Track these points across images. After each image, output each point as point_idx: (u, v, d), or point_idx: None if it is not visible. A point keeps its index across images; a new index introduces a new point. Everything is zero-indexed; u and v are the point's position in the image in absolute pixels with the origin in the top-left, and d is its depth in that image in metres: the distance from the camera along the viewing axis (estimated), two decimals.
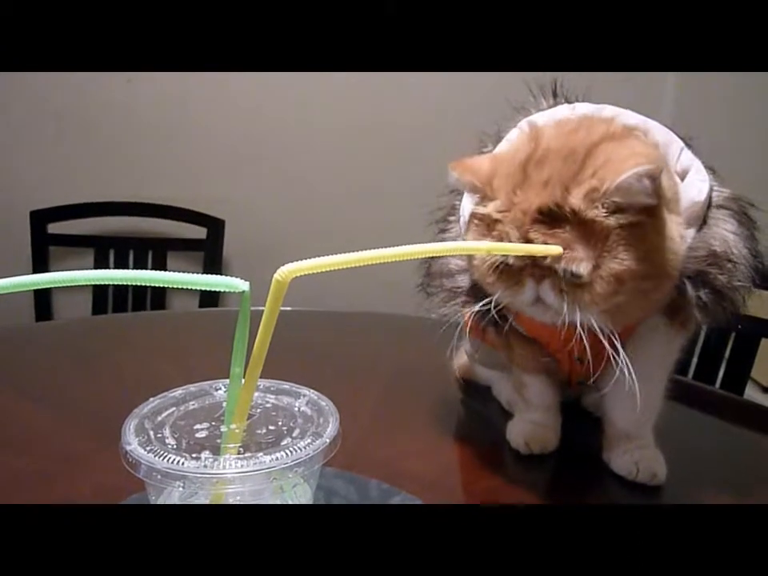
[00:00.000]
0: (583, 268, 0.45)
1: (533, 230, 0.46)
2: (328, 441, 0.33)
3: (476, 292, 0.55)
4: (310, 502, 0.36)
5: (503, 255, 0.47)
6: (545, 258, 0.46)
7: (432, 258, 0.59)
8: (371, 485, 0.54)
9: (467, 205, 0.55)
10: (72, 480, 0.55)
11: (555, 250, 0.41)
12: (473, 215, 0.52)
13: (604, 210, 0.45)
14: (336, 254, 0.34)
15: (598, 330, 0.47)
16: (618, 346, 0.48)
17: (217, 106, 1.58)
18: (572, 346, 0.52)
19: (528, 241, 0.46)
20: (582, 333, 0.47)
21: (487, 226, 0.49)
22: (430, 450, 0.65)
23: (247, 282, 0.32)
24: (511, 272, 0.48)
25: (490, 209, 0.49)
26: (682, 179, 0.53)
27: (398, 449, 0.63)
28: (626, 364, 0.48)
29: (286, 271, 0.32)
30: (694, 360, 1.16)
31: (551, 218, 0.46)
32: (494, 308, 0.50)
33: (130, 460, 0.32)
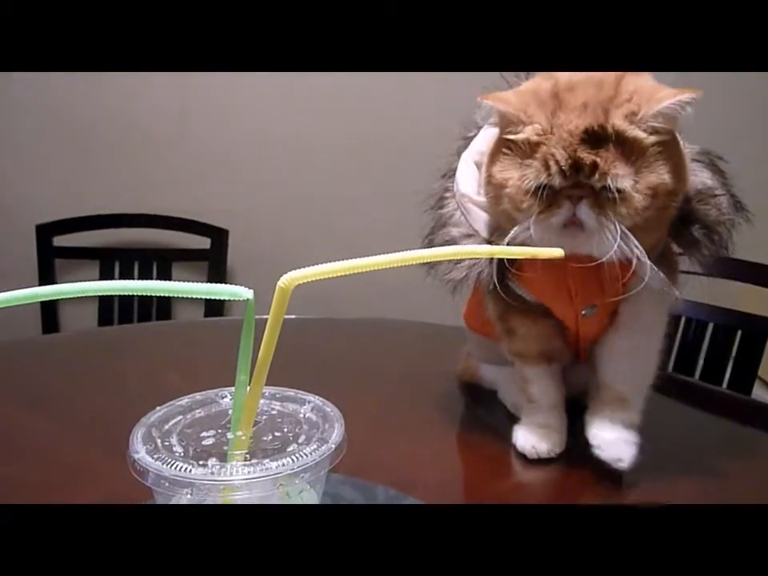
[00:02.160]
0: (627, 183, 0.49)
1: (580, 149, 0.50)
2: (334, 446, 0.34)
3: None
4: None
5: (548, 176, 0.50)
6: (588, 177, 0.49)
7: (431, 231, 0.62)
8: (378, 491, 0.55)
9: (481, 140, 0.58)
10: (80, 489, 0.55)
11: (556, 252, 0.42)
12: (499, 145, 0.54)
13: (643, 131, 0.50)
14: (339, 261, 0.34)
15: (625, 248, 0.51)
16: (645, 258, 0.51)
17: (219, 118, 1.59)
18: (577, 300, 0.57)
19: (576, 159, 0.49)
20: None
21: (524, 151, 0.52)
22: (436, 455, 0.65)
23: (251, 291, 0.33)
24: (549, 195, 0.51)
25: (528, 133, 0.51)
26: None
27: (404, 455, 0.64)
28: (656, 270, 0.53)
29: (289, 279, 0.32)
30: (701, 360, 1.16)
31: (594, 137, 0.50)
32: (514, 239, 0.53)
33: (138, 468, 0.32)
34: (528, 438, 0.63)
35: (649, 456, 0.59)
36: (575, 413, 0.66)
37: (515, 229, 0.53)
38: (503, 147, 0.54)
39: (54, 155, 1.56)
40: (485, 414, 0.75)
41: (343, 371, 0.83)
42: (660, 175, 0.51)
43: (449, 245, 0.60)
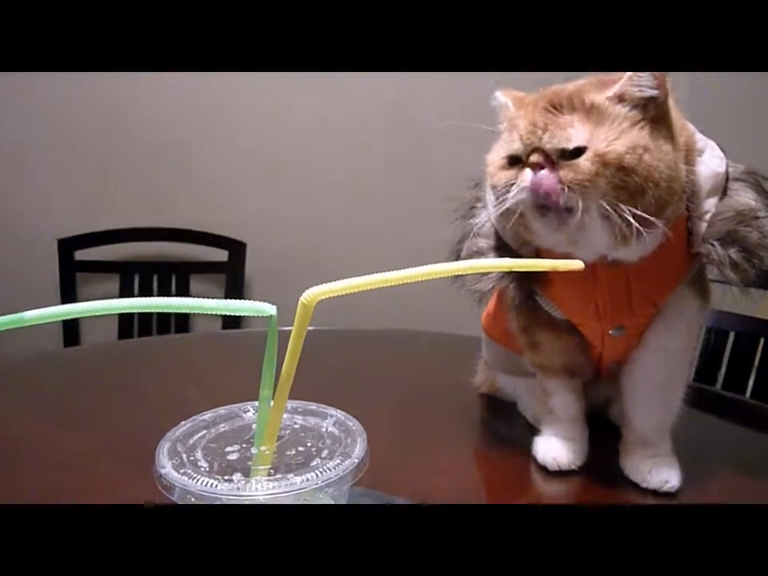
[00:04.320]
0: (573, 144, 0.49)
1: (540, 115, 0.51)
2: (357, 461, 0.34)
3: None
4: None
5: (511, 144, 0.52)
6: (541, 139, 0.50)
7: (460, 241, 0.62)
8: (398, 503, 0.55)
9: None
10: (108, 501, 0.55)
11: (576, 264, 0.42)
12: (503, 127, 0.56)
13: (610, 99, 0.50)
14: (357, 273, 0.35)
15: (590, 212, 0.49)
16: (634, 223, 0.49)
17: (235, 134, 1.61)
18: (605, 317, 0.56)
19: (534, 123, 0.51)
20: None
21: (509, 127, 0.54)
22: (455, 467, 0.65)
23: (274, 307, 0.33)
24: (517, 164, 0.52)
25: (510, 115, 0.54)
26: (700, 156, 0.57)
27: (423, 467, 0.63)
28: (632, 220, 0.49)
29: (312, 294, 0.33)
30: (723, 369, 1.15)
31: (556, 105, 0.51)
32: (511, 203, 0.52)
33: (164, 483, 0.32)
34: (549, 450, 0.63)
35: (690, 477, 0.59)
36: (598, 427, 0.66)
37: (496, 204, 0.54)
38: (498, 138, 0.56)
39: (75, 171, 1.59)
40: (504, 426, 0.74)
41: (363, 382, 0.84)
42: (613, 145, 0.49)
43: (477, 255, 0.60)
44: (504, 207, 0.52)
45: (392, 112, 1.59)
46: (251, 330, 1.36)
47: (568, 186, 0.49)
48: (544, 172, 0.50)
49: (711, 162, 0.56)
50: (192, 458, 0.34)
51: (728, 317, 1.12)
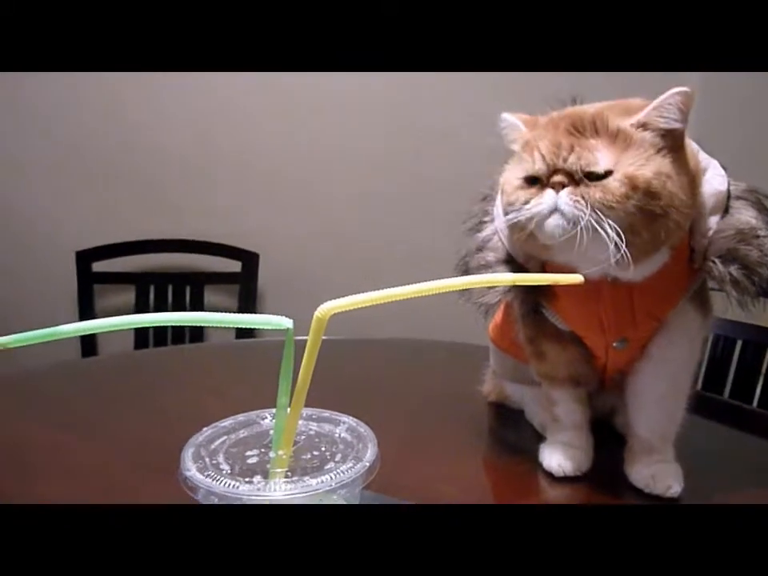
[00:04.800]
0: (601, 168, 0.50)
1: (564, 136, 0.52)
2: (368, 464, 0.36)
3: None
4: None
5: (532, 164, 0.52)
6: (566, 160, 0.51)
7: (467, 254, 0.63)
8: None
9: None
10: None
11: (576, 278, 0.44)
12: (510, 158, 0.57)
13: (631, 125, 0.52)
14: (367, 282, 0.37)
15: (603, 231, 0.50)
16: (620, 245, 0.50)
17: (249, 146, 1.63)
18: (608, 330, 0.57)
19: (557, 144, 0.52)
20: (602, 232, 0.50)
21: (521, 153, 0.55)
22: (464, 473, 0.66)
23: (291, 321, 0.35)
24: (536, 187, 0.53)
25: (526, 136, 0.55)
26: (703, 175, 0.58)
27: (432, 472, 0.65)
28: (626, 262, 0.50)
29: (326, 309, 0.35)
30: (730, 378, 1.15)
31: (580, 128, 0.52)
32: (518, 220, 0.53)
33: (190, 485, 0.35)
34: (554, 457, 0.64)
35: (692, 483, 0.60)
36: (603, 434, 0.67)
37: (499, 221, 0.55)
38: (510, 159, 0.57)
39: (92, 184, 1.63)
40: (512, 433, 0.76)
41: (374, 390, 0.85)
42: (641, 169, 0.50)
43: (484, 269, 0.61)
44: (524, 230, 0.53)
45: (407, 123, 1.61)
46: (264, 339, 1.38)
47: (592, 205, 0.50)
48: (564, 195, 0.51)
49: (714, 180, 0.57)
50: (214, 462, 0.36)
51: (735, 326, 1.13)
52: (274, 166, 1.64)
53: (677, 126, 0.52)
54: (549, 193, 0.52)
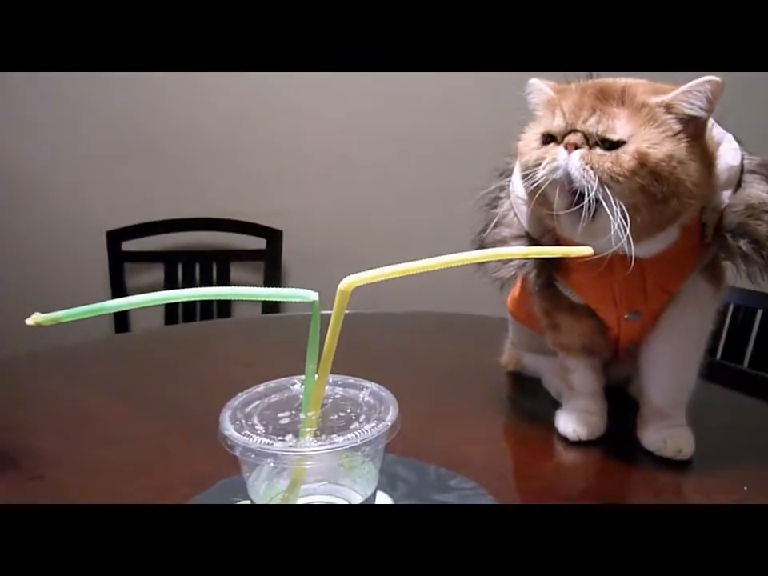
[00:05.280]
0: (617, 136, 0.51)
1: (588, 98, 0.52)
2: (390, 424, 0.39)
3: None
4: (375, 480, 0.42)
5: (552, 121, 0.53)
6: (585, 120, 0.51)
7: (484, 230, 0.64)
8: (429, 469, 0.59)
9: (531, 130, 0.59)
10: (168, 470, 0.62)
11: (585, 251, 0.46)
12: (540, 107, 0.57)
13: (660, 105, 0.52)
14: (388, 258, 0.39)
15: (612, 207, 0.50)
16: (621, 221, 0.51)
17: (272, 126, 1.66)
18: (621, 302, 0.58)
19: (581, 105, 0.52)
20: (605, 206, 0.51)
21: (549, 106, 0.55)
22: (484, 438, 0.69)
23: (316, 293, 0.38)
24: (551, 143, 0.54)
25: (549, 94, 0.55)
26: (716, 149, 0.58)
27: (453, 437, 0.68)
28: (627, 241, 0.51)
29: (348, 282, 0.38)
30: (750, 348, 1.16)
31: (606, 95, 0.52)
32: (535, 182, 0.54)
33: (229, 443, 0.38)
34: (569, 422, 0.66)
35: (704, 447, 0.62)
36: (619, 401, 0.69)
37: (525, 176, 0.55)
38: (531, 121, 0.57)
39: (120, 166, 1.67)
40: (529, 401, 0.78)
41: (397, 361, 0.88)
42: (654, 148, 0.50)
43: (500, 244, 0.62)
44: (533, 185, 0.53)
45: (429, 100, 1.62)
46: (288, 314, 1.42)
47: (600, 176, 0.50)
48: (576, 158, 0.51)
49: (726, 155, 0.58)
50: (250, 423, 0.40)
51: (755, 296, 1.13)
52: (298, 147, 1.67)
53: (701, 113, 0.52)
54: (561, 152, 0.52)
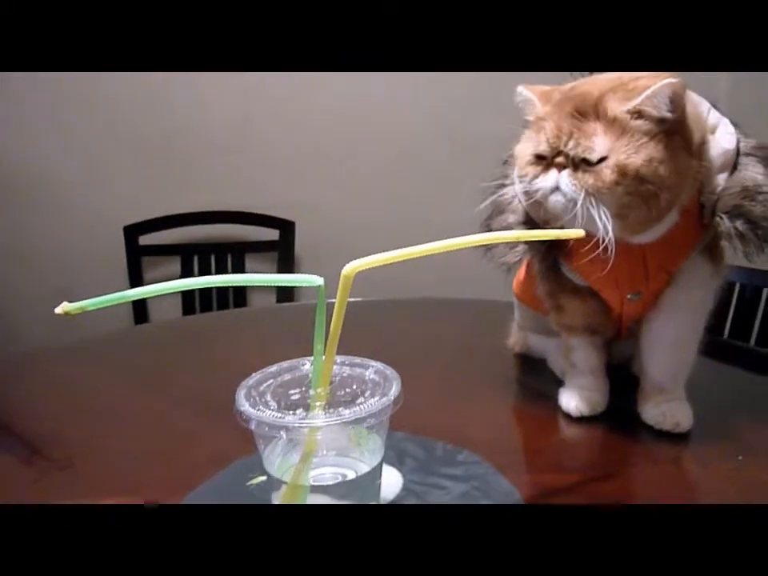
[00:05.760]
0: (595, 155, 0.54)
1: (567, 121, 0.55)
2: (392, 398, 0.42)
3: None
4: (381, 451, 0.45)
5: (538, 145, 0.56)
6: (566, 145, 0.54)
7: (490, 216, 0.66)
8: (437, 445, 0.62)
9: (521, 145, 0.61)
10: (189, 451, 0.65)
11: (577, 233, 0.48)
12: (526, 127, 0.60)
13: (627, 112, 0.54)
14: (399, 248, 0.42)
15: (597, 215, 0.54)
16: (608, 233, 0.54)
17: (281, 121, 1.68)
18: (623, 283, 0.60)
19: (560, 129, 0.55)
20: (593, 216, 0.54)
21: (533, 129, 0.58)
22: (489, 416, 0.71)
23: (322, 278, 0.41)
24: (543, 165, 0.57)
25: (537, 112, 0.58)
26: (713, 134, 0.60)
27: (459, 415, 0.71)
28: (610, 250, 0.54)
29: (351, 267, 0.41)
30: (756, 326, 1.17)
31: (582, 113, 0.55)
32: (529, 193, 0.57)
33: (244, 417, 0.41)
34: (571, 399, 0.69)
35: (702, 420, 0.64)
36: (622, 379, 0.71)
37: (516, 186, 0.59)
38: (526, 129, 0.60)
39: (136, 163, 1.71)
40: (534, 381, 0.80)
41: (405, 344, 0.91)
42: (632, 158, 0.53)
43: (505, 230, 0.64)
44: (532, 200, 0.58)
45: (438, 93, 1.63)
46: (301, 303, 1.45)
47: (586, 190, 0.54)
48: (565, 176, 0.55)
49: (723, 139, 0.59)
50: (263, 400, 0.43)
51: (760, 274, 1.14)
52: (309, 140, 1.69)
53: (668, 115, 0.54)
54: (552, 172, 0.56)
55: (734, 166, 0.59)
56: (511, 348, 0.87)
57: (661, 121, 0.54)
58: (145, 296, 0.42)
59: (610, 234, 0.54)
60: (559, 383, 0.73)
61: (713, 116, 0.60)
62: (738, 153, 0.60)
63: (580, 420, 0.68)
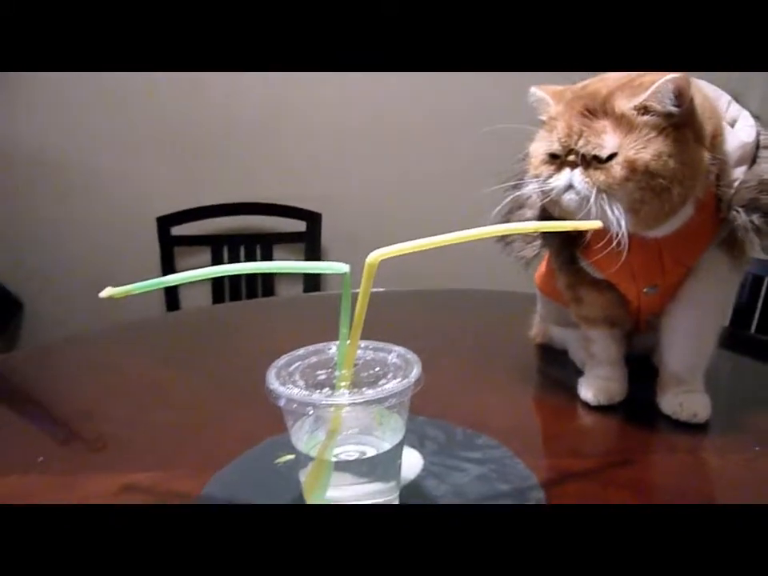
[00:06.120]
0: (606, 152, 0.54)
1: (577, 120, 0.56)
2: (413, 380, 0.45)
3: (549, 231, 0.65)
4: (402, 431, 0.47)
5: (551, 144, 0.57)
6: (576, 143, 0.55)
7: (509, 211, 0.67)
8: (457, 430, 0.64)
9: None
10: (220, 430, 0.68)
11: (595, 224, 0.49)
12: (540, 127, 0.61)
13: (635, 109, 0.54)
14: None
15: (610, 211, 0.55)
16: (622, 228, 0.55)
17: (309, 115, 1.72)
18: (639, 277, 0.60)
19: (570, 128, 0.56)
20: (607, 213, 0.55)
21: (546, 128, 0.59)
22: (509, 403, 0.73)
23: (347, 265, 0.44)
24: (556, 163, 0.58)
25: (550, 112, 0.59)
26: (732, 127, 0.60)
27: (480, 402, 0.73)
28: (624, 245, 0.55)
29: (375, 255, 0.43)
30: (757, 315, 1.15)
31: (591, 112, 0.56)
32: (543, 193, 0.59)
33: (274, 395, 0.44)
34: (590, 389, 0.70)
35: (721, 412, 0.65)
36: (641, 369, 0.72)
37: (531, 185, 0.60)
38: (540, 128, 0.61)
39: (169, 155, 1.76)
40: (555, 371, 0.81)
41: (428, 334, 0.92)
42: (641, 153, 0.54)
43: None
44: (547, 198, 0.59)
45: (459, 86, 1.64)
46: (327, 293, 1.48)
47: (598, 187, 0.55)
48: (577, 174, 0.56)
49: (741, 132, 0.59)
50: (292, 379, 0.46)
51: (762, 263, 1.12)
52: (335, 133, 1.72)
53: (674, 110, 0.54)
54: (565, 171, 0.57)
55: (753, 159, 0.59)
56: (533, 339, 0.88)
57: (668, 115, 0.54)
58: (184, 281, 0.45)
59: (623, 228, 0.55)
60: (580, 374, 0.75)
61: (733, 108, 0.61)
62: (757, 146, 0.60)
63: (598, 409, 0.70)
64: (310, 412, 0.42)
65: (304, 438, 0.47)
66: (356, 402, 0.42)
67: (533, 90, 0.61)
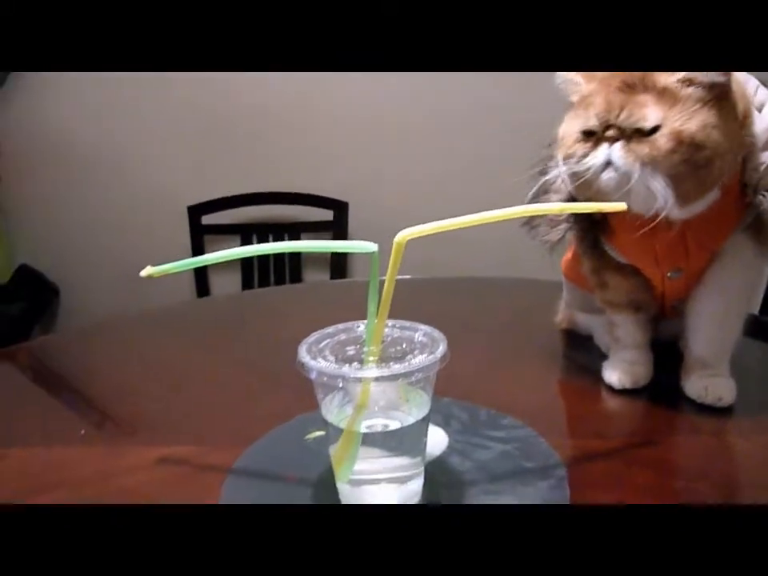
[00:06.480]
0: (650, 123, 0.54)
1: (615, 95, 0.55)
2: (439, 356, 0.46)
3: (574, 216, 0.65)
4: (427, 406, 0.49)
5: (587, 120, 0.57)
6: (617, 117, 0.55)
7: (535, 197, 0.66)
8: (482, 411, 0.65)
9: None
10: (252, 408, 0.70)
11: (619, 206, 0.50)
12: (568, 109, 0.61)
13: (678, 80, 0.54)
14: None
15: (655, 184, 0.54)
16: (668, 202, 0.54)
17: (336, 105, 1.73)
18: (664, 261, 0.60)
19: (609, 102, 0.55)
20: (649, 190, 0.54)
21: (579, 107, 0.58)
22: (536, 385, 0.74)
23: (376, 244, 0.45)
24: (592, 141, 0.57)
25: (582, 90, 0.59)
26: (760, 111, 0.60)
27: (505, 384, 0.74)
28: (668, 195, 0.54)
29: (403, 235, 0.44)
30: None
31: (630, 86, 0.55)
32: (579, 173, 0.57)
33: (305, 368, 0.46)
34: (614, 372, 0.70)
35: (746, 396, 0.65)
36: (668, 353, 0.71)
37: (561, 168, 0.59)
38: (569, 110, 0.61)
39: (200, 146, 1.79)
40: (580, 355, 0.81)
41: (452, 320, 0.91)
42: (687, 124, 0.54)
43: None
44: (580, 180, 0.57)
45: (487, 77, 1.64)
46: (354, 279, 1.50)
47: (642, 160, 0.54)
48: (617, 149, 0.55)
49: None
50: (323, 354, 0.48)
51: None
52: (362, 123, 1.73)
53: (719, 79, 0.54)
54: (603, 147, 0.56)
55: None
56: (558, 324, 0.88)
57: (711, 87, 0.55)
58: (218, 260, 0.47)
59: (669, 203, 0.54)
60: (605, 359, 0.75)
61: (761, 93, 0.60)
62: None
63: (623, 392, 0.70)
64: (340, 385, 0.44)
65: (334, 411, 0.48)
66: (384, 375, 0.43)
67: (559, 73, 0.61)
